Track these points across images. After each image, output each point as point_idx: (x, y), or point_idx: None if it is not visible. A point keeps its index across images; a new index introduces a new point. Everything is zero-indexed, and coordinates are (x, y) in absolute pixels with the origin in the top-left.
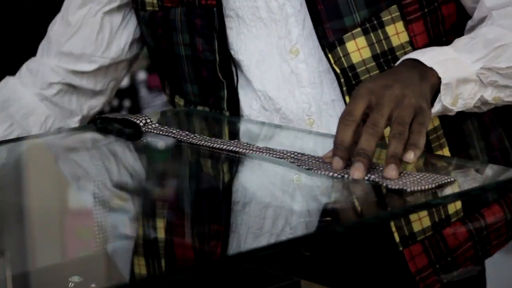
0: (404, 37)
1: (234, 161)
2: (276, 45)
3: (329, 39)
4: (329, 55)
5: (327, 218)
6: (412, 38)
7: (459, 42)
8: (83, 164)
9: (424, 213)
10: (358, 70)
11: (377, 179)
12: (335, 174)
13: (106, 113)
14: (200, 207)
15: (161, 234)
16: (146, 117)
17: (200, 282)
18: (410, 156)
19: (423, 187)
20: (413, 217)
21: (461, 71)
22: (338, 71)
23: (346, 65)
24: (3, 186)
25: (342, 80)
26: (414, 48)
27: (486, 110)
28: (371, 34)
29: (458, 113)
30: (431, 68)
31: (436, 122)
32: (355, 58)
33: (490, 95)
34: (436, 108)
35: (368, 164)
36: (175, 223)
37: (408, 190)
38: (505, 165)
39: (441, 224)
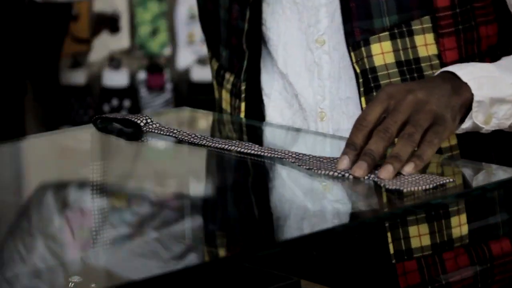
0: (432, 50)
1: (236, 161)
2: (305, 32)
3: (356, 38)
4: (352, 54)
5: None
6: (442, 52)
7: (505, 60)
8: (83, 164)
9: (425, 230)
10: (378, 74)
11: (376, 179)
12: (335, 174)
13: (106, 113)
14: (200, 207)
15: (160, 234)
16: (147, 117)
17: (200, 282)
18: (409, 168)
19: (421, 187)
20: (412, 232)
21: (498, 91)
22: (358, 70)
23: (367, 67)
24: (3, 186)
25: (361, 80)
26: (442, 63)
27: None
28: (398, 40)
29: (478, 137)
30: (465, 83)
31: (453, 141)
32: (378, 61)
33: None
34: (467, 124)
35: (372, 165)
36: (175, 223)
37: (405, 190)
38: None
39: (442, 246)
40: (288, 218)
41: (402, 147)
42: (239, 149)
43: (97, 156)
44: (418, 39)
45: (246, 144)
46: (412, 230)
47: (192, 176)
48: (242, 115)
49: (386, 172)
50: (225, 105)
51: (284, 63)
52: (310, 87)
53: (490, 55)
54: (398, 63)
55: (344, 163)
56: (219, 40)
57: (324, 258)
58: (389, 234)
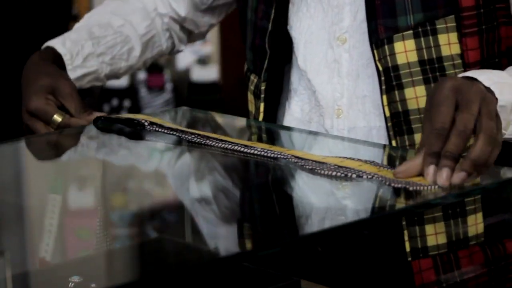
0: (455, 49)
1: (237, 160)
2: (328, 30)
3: (380, 35)
4: (375, 51)
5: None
6: (464, 52)
7: None
8: (84, 164)
9: (441, 229)
10: (401, 72)
11: (380, 178)
12: (338, 174)
13: (105, 113)
14: (199, 207)
15: (160, 234)
16: (148, 118)
17: (200, 282)
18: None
19: (425, 188)
20: (428, 230)
21: None
22: (380, 68)
23: (390, 65)
24: (3, 185)
25: (382, 78)
26: (464, 62)
27: None
28: (422, 39)
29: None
30: (488, 88)
31: None
32: (401, 59)
33: None
34: None
35: (454, 167)
36: (175, 223)
37: (411, 189)
38: None
39: (457, 245)
40: (288, 218)
41: (483, 147)
42: (242, 149)
43: (97, 156)
44: (442, 38)
45: (249, 145)
46: (429, 228)
47: (192, 175)
48: (261, 115)
49: (402, 169)
50: (251, 106)
51: (304, 60)
52: (329, 84)
53: (508, 56)
54: (421, 62)
55: (431, 174)
56: (245, 41)
57: (324, 258)
58: (405, 232)
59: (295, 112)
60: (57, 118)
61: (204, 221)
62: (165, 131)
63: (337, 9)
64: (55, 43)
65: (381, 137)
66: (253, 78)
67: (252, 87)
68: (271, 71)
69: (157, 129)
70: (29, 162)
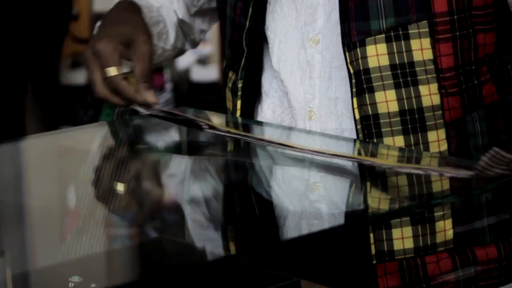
0: (428, 55)
1: (236, 162)
2: (301, 31)
3: (352, 38)
4: (347, 54)
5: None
6: (437, 57)
7: None
8: (83, 164)
9: (408, 233)
10: (372, 75)
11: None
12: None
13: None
14: (199, 207)
15: (160, 234)
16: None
17: (200, 282)
18: None
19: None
20: (395, 234)
21: None
22: (352, 71)
23: (361, 67)
24: (3, 186)
25: (353, 81)
26: (437, 68)
27: None
28: (394, 43)
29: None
30: None
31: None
32: (372, 63)
33: None
34: None
35: None
36: (175, 223)
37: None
38: None
39: (425, 250)
40: (288, 218)
41: None
42: (309, 155)
43: (97, 156)
44: (414, 43)
45: (319, 151)
46: (396, 232)
47: (191, 175)
48: (238, 113)
49: None
50: (228, 103)
51: (278, 61)
52: (301, 85)
53: (487, 63)
54: (392, 66)
55: None
56: (224, 38)
57: (324, 258)
58: (371, 235)
59: (266, 115)
60: (112, 70)
61: (203, 220)
62: (225, 133)
63: (311, 9)
64: None
65: None
66: (231, 75)
67: (230, 84)
68: (248, 69)
69: (216, 132)
70: (29, 162)
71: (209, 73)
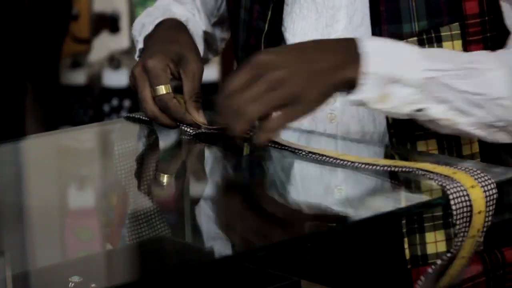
0: None
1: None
2: (321, 32)
3: None
4: None
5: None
6: None
7: (439, 50)
8: (83, 164)
9: (441, 237)
10: None
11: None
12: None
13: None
14: (199, 206)
15: (160, 234)
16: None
17: (200, 282)
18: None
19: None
20: (429, 238)
21: (402, 71)
22: None
23: None
24: (3, 186)
25: None
26: None
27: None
28: (426, 46)
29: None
30: (361, 55)
31: (475, 149)
32: None
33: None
34: (357, 97)
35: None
36: (174, 223)
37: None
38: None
39: None
40: (288, 218)
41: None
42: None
43: (98, 156)
44: (446, 46)
45: (372, 163)
46: (429, 236)
47: (192, 175)
48: None
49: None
50: None
51: None
52: None
53: None
54: None
55: None
56: (237, 42)
57: (324, 258)
58: (406, 240)
59: None
60: (162, 89)
61: (203, 220)
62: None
63: (332, 11)
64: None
65: None
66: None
67: None
68: None
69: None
70: (29, 162)
71: (209, 73)
